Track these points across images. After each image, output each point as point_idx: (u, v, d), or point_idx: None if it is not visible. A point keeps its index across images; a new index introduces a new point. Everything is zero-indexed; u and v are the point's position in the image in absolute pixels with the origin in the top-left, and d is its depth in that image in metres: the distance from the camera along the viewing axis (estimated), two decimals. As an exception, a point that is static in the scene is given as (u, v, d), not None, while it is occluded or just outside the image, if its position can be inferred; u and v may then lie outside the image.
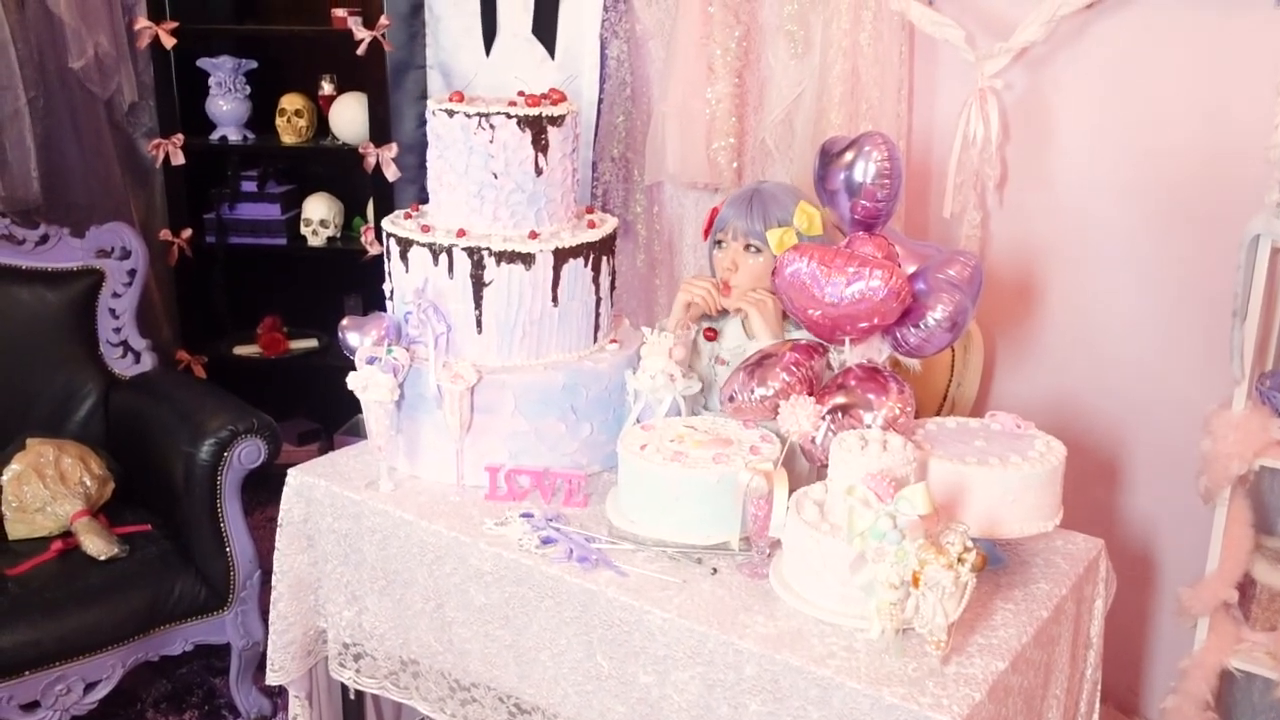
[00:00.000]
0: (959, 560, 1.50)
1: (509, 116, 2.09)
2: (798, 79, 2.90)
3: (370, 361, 2.10)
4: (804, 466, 2.01)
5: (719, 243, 2.30)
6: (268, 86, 3.76)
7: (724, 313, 2.35)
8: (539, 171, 2.13)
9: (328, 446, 3.89)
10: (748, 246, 2.24)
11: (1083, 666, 1.98)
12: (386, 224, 2.24)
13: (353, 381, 2.13)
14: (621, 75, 3.25)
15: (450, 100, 2.15)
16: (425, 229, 2.17)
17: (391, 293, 2.26)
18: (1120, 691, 2.79)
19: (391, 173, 3.52)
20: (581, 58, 3.29)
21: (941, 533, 1.58)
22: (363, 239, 3.65)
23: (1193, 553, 2.37)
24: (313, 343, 3.91)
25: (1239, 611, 2.31)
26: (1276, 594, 2.29)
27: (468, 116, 2.10)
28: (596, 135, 3.29)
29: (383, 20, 3.44)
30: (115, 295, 2.99)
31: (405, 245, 2.16)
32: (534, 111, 2.11)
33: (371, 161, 3.53)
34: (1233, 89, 2.43)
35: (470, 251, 2.10)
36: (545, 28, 3.32)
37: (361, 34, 3.44)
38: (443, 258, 2.11)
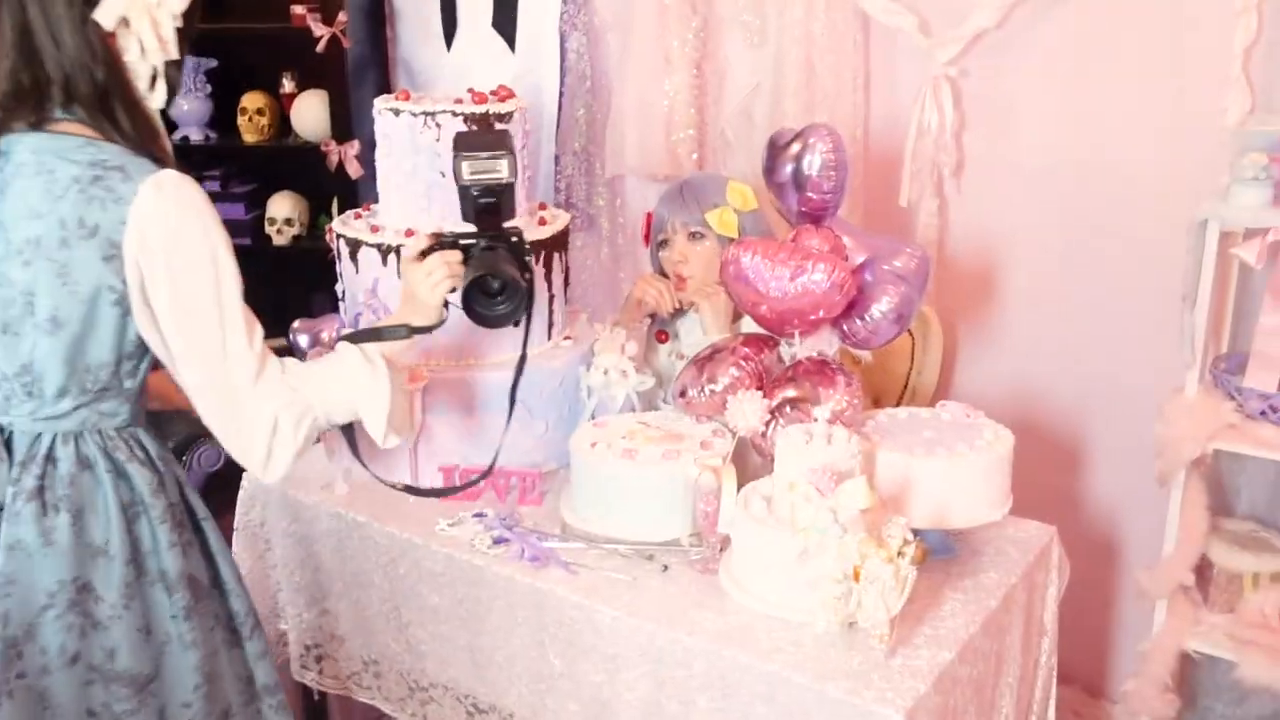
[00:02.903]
0: (899, 554, 1.50)
1: (455, 114, 2.08)
2: (754, 69, 2.89)
3: (322, 364, 2.09)
4: (757, 460, 2.01)
5: (663, 243, 2.31)
6: (228, 85, 3.74)
7: (679, 312, 2.35)
8: (488, 169, 2.12)
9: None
10: (691, 235, 2.26)
11: (1037, 654, 1.99)
12: (336, 224, 2.24)
13: (305, 384, 2.11)
14: (581, 68, 3.23)
15: (396, 99, 2.14)
16: (374, 229, 2.16)
17: (343, 294, 2.25)
18: (1088, 674, 2.80)
19: (354, 169, 3.51)
20: (542, 51, 3.27)
21: (884, 525, 1.58)
22: (327, 237, 3.63)
23: (1152, 536, 2.38)
24: (281, 342, 3.87)
25: (1197, 594, 2.32)
26: (1234, 576, 2.30)
27: (413, 115, 2.09)
28: (559, 128, 3.27)
29: (341, 17, 3.43)
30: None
31: (354, 246, 2.15)
32: (481, 109, 2.10)
33: (334, 159, 3.52)
34: (1185, 71, 2.43)
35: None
36: (505, 21, 3.31)
37: (320, 31, 3.42)
38: (391, 258, 2.10)
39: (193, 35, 1.60)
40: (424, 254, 1.76)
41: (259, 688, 1.74)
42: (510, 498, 2.08)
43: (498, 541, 1.93)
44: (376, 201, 2.29)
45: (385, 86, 3.57)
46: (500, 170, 1.80)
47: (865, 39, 2.78)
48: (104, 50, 1.49)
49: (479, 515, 2.02)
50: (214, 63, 3.72)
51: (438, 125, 2.08)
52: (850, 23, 2.73)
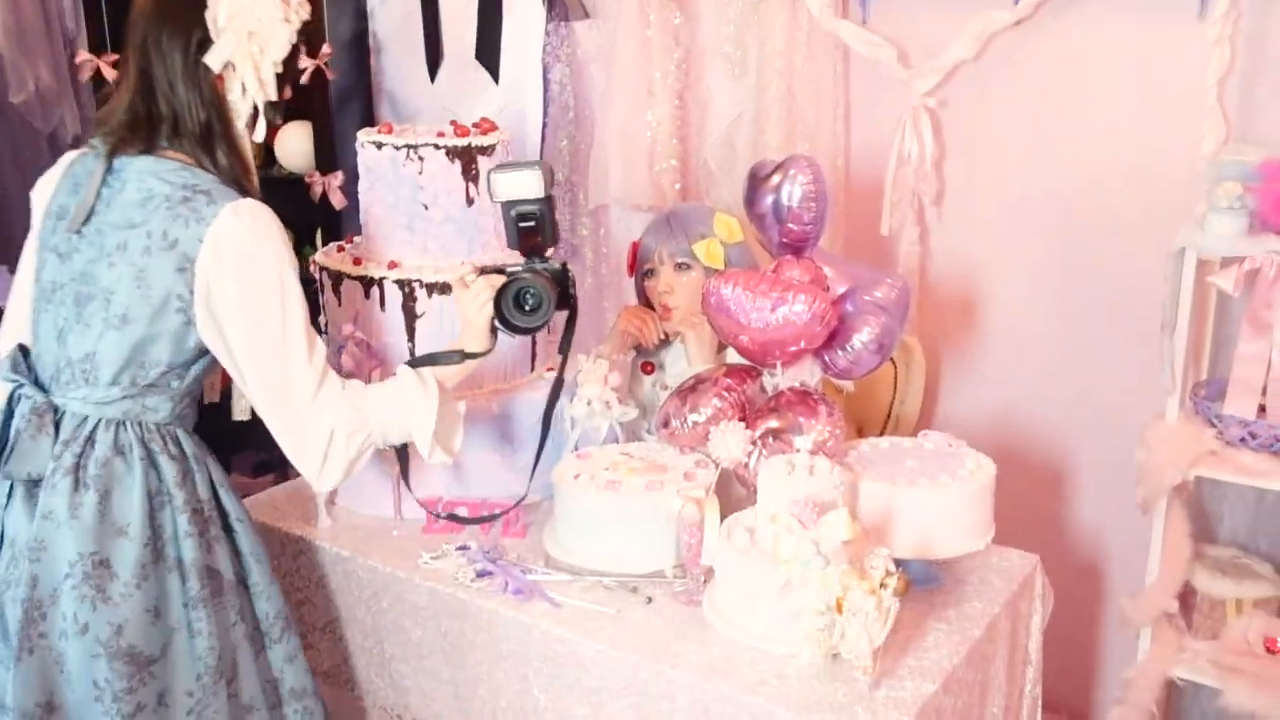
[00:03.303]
0: (881, 585, 1.50)
1: (437, 148, 2.09)
2: (736, 100, 2.92)
3: (304, 397, 2.08)
4: (741, 491, 2.00)
5: (649, 273, 2.31)
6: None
7: (664, 343, 2.36)
8: (470, 202, 2.13)
9: (282, 477, 3.84)
10: (678, 265, 2.27)
11: (1022, 683, 1.98)
12: (319, 257, 2.24)
13: (287, 417, 2.11)
14: (564, 99, 3.25)
15: (379, 132, 2.15)
16: (357, 261, 2.17)
17: (326, 326, 2.25)
18: (1073, 702, 2.80)
19: (338, 200, 3.50)
20: (525, 82, 3.29)
21: (867, 556, 1.58)
22: (312, 269, 3.62)
23: (1135, 562, 2.39)
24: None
25: (1181, 621, 2.32)
26: (1217, 603, 2.30)
27: (396, 149, 2.10)
28: (542, 159, 3.28)
29: (325, 49, 3.43)
30: (56, 333, 2.96)
31: (337, 278, 2.16)
32: (463, 142, 2.11)
33: (318, 190, 3.52)
34: (1161, 102, 2.46)
35: (401, 284, 2.09)
36: (488, 53, 3.32)
37: (304, 62, 3.41)
38: (374, 290, 2.10)
39: (291, 79, 1.81)
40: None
41: (286, 691, 1.83)
42: (494, 530, 2.07)
43: (481, 575, 1.93)
44: (347, 236, 2.29)
45: (369, 118, 3.58)
46: (531, 184, 1.86)
47: (845, 70, 2.81)
48: (211, 93, 1.70)
49: (462, 548, 2.01)
50: (198, 95, 3.72)
51: (420, 158, 2.09)
52: (830, 54, 2.75)
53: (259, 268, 1.66)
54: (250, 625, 1.80)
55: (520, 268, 1.88)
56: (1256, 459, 2.13)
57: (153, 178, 1.66)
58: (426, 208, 2.11)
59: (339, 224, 3.56)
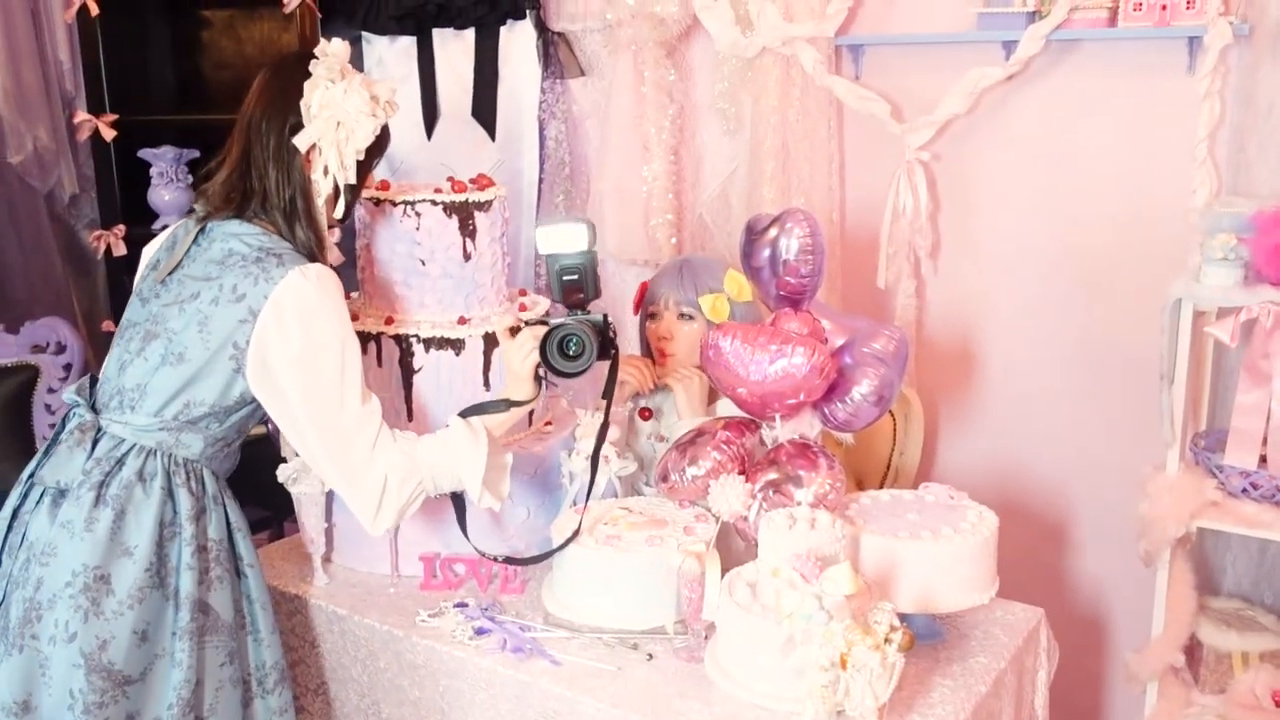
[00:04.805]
0: (886, 641, 1.48)
1: (434, 203, 2.09)
2: (731, 155, 2.95)
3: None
4: (741, 545, 1.99)
5: (652, 315, 2.32)
6: (209, 175, 3.75)
7: (660, 387, 2.35)
8: (467, 257, 2.13)
9: (278, 534, 3.82)
10: (682, 314, 2.29)
11: (1029, 740, 1.96)
12: (316, 313, 2.23)
13: (283, 474, 2.11)
14: (560, 155, 3.28)
15: (376, 188, 2.16)
16: (354, 317, 2.16)
17: (323, 382, 2.23)
18: (1080, 758, 2.76)
19: (334, 256, 3.51)
20: (521, 138, 3.32)
21: (871, 611, 1.56)
22: (308, 324, 3.62)
23: (1140, 616, 2.37)
24: (261, 429, 3.85)
25: (1188, 674, 2.30)
26: (1223, 656, 2.28)
27: (393, 204, 2.10)
28: (538, 215, 3.30)
29: (322, 107, 3.46)
30: (51, 390, 2.96)
31: (334, 334, 2.15)
32: (460, 198, 2.11)
33: (315, 246, 3.53)
34: (1152, 155, 2.48)
35: (398, 339, 2.09)
36: (485, 110, 3.35)
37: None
38: (371, 346, 2.10)
39: (371, 168, 1.95)
40: (517, 330, 1.96)
41: None
42: (492, 586, 2.05)
43: (479, 632, 1.90)
44: (356, 289, 2.29)
45: (365, 175, 3.59)
46: (575, 239, 1.92)
47: (839, 125, 2.84)
48: (299, 175, 1.84)
49: (460, 605, 1.98)
50: (195, 153, 3.74)
51: (417, 214, 2.10)
52: (824, 110, 2.78)
53: (320, 324, 1.77)
54: (243, 670, 1.84)
55: (564, 318, 1.94)
56: (1259, 510, 2.12)
57: (236, 239, 1.81)
58: (423, 263, 2.11)
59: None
